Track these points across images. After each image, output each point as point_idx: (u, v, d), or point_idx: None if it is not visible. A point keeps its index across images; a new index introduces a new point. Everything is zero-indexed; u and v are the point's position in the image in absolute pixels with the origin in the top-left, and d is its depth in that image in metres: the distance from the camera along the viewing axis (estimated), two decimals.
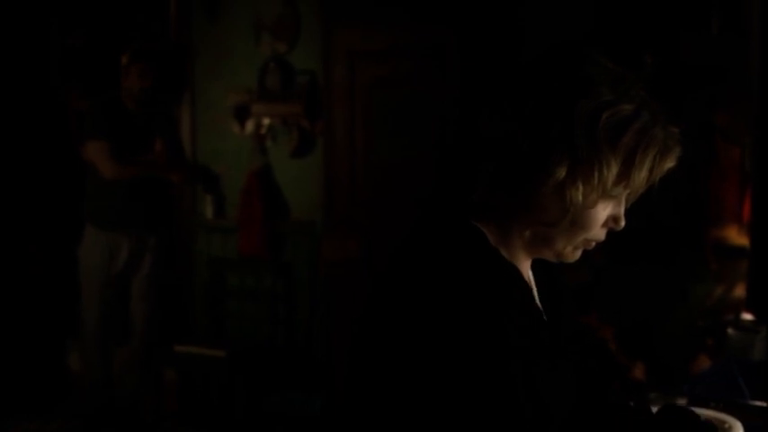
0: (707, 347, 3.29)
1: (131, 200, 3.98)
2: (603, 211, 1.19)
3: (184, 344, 4.23)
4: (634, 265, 3.46)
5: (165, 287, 4.26)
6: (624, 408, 1.35)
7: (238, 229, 4.51)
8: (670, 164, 1.18)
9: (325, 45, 4.03)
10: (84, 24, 4.83)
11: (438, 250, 1.17)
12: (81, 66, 4.81)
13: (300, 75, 4.41)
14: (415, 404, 1.10)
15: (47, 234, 4.69)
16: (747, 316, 3.16)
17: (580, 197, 1.15)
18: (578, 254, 1.24)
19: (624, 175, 1.15)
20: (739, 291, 3.47)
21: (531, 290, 1.25)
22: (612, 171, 1.14)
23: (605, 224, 1.21)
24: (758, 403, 1.97)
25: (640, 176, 1.16)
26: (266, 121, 4.50)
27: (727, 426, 1.36)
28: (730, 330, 2.93)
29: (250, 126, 4.54)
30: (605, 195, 1.16)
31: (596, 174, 1.14)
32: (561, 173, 1.13)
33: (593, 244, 1.23)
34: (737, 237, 3.51)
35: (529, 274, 1.28)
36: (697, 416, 1.32)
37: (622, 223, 1.22)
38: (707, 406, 1.76)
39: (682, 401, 2.00)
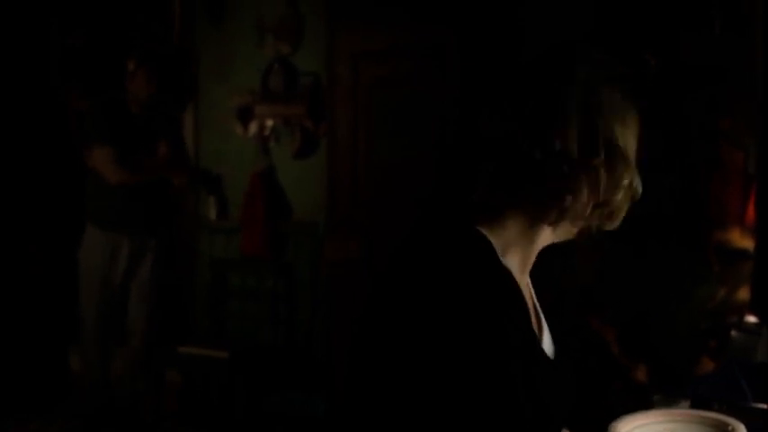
0: (709, 350, 3.28)
1: (132, 201, 3.98)
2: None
3: (186, 345, 4.23)
4: (636, 266, 3.46)
5: (167, 288, 4.26)
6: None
7: (241, 230, 4.52)
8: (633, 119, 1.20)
9: (329, 46, 4.03)
10: (84, 24, 4.83)
11: (439, 252, 1.17)
12: (81, 66, 4.81)
13: (303, 76, 4.41)
14: (414, 404, 1.10)
15: (47, 234, 4.69)
16: (750, 318, 3.15)
17: (584, 199, 1.16)
18: (575, 232, 1.25)
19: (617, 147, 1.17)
20: (742, 293, 3.46)
21: (522, 297, 1.24)
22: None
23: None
24: (761, 405, 1.96)
25: (628, 143, 1.18)
26: (269, 122, 4.50)
27: (730, 428, 1.35)
28: (733, 332, 2.92)
29: (253, 127, 4.54)
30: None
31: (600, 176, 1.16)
32: (565, 176, 1.14)
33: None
34: (740, 239, 3.50)
35: (527, 279, 1.28)
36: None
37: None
38: (710, 408, 1.75)
39: (684, 403, 1.99)
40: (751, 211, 3.45)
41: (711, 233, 3.52)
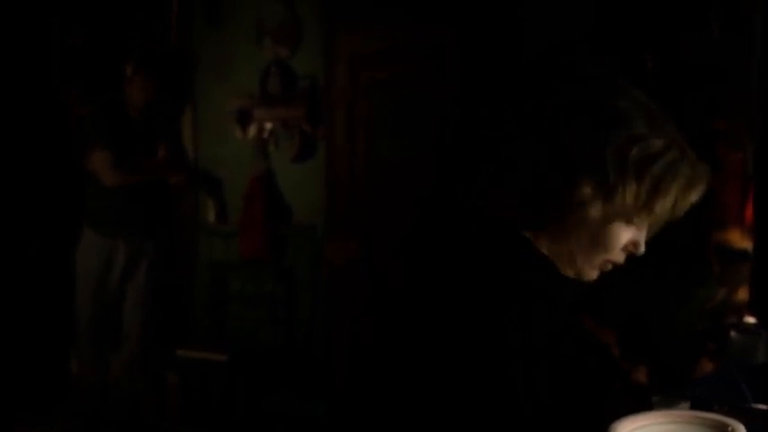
0: (709, 351, 3.28)
1: (132, 204, 3.98)
2: (624, 234, 1.21)
3: (186, 348, 4.23)
4: (634, 266, 3.45)
5: (166, 291, 4.26)
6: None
7: (239, 233, 4.51)
8: (694, 198, 1.22)
9: (328, 48, 4.03)
10: (84, 24, 4.83)
11: (443, 255, 1.17)
12: (81, 66, 4.80)
13: (302, 79, 4.41)
14: (415, 404, 1.10)
15: (47, 234, 4.69)
16: (750, 319, 3.15)
17: (598, 215, 1.17)
18: (596, 274, 1.26)
19: (648, 204, 1.18)
20: (742, 294, 3.46)
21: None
22: (633, 196, 1.17)
23: (625, 248, 1.24)
24: (761, 407, 1.96)
25: (664, 206, 1.19)
26: (268, 125, 4.50)
27: (729, 429, 1.34)
28: (732, 333, 2.91)
29: (252, 130, 4.54)
30: (626, 218, 1.19)
31: (618, 197, 1.17)
32: (586, 192, 1.16)
33: (610, 266, 1.26)
34: (740, 240, 3.50)
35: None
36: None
37: (642, 249, 1.25)
38: (710, 409, 1.75)
39: (684, 405, 1.99)
40: (750, 212, 3.45)
41: (711, 234, 3.52)
